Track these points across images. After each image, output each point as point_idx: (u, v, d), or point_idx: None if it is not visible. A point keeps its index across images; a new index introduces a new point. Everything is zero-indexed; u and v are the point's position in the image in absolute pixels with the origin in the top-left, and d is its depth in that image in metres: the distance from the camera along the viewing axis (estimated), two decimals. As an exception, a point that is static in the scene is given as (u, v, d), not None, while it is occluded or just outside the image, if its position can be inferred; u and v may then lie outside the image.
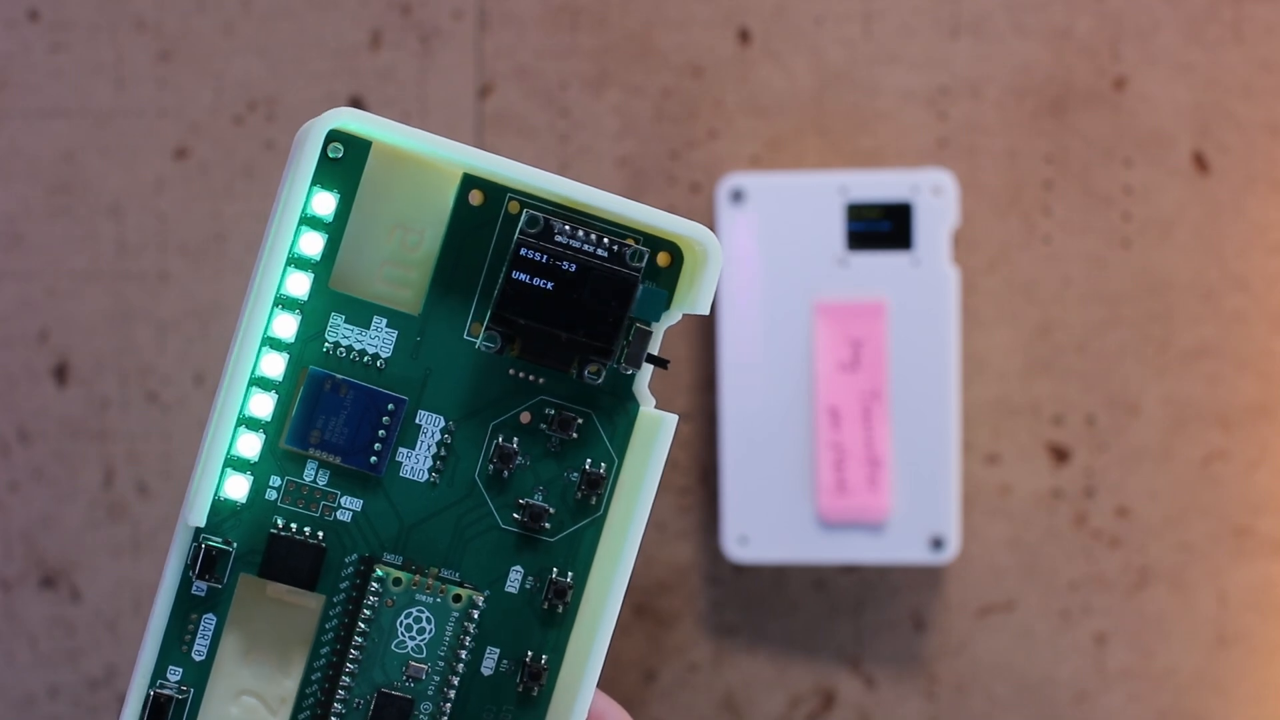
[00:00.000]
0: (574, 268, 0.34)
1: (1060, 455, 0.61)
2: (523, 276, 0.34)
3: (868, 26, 0.61)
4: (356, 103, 0.62)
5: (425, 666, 0.35)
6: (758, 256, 0.59)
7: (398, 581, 0.35)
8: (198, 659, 0.35)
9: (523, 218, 0.35)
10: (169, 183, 0.63)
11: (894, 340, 0.59)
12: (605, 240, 0.35)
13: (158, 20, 0.62)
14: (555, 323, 0.35)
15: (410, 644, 0.35)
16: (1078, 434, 0.61)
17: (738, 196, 0.59)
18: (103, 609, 0.63)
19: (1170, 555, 0.61)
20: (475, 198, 0.35)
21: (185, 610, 0.35)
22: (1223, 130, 0.60)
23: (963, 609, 0.62)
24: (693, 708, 0.62)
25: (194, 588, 0.35)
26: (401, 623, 0.35)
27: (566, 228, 0.35)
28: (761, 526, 0.60)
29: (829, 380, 0.59)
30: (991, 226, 0.61)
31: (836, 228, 0.59)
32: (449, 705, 0.35)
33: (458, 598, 0.35)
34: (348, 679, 0.35)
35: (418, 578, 0.35)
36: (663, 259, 0.35)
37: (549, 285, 0.34)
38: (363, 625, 0.35)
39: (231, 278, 0.62)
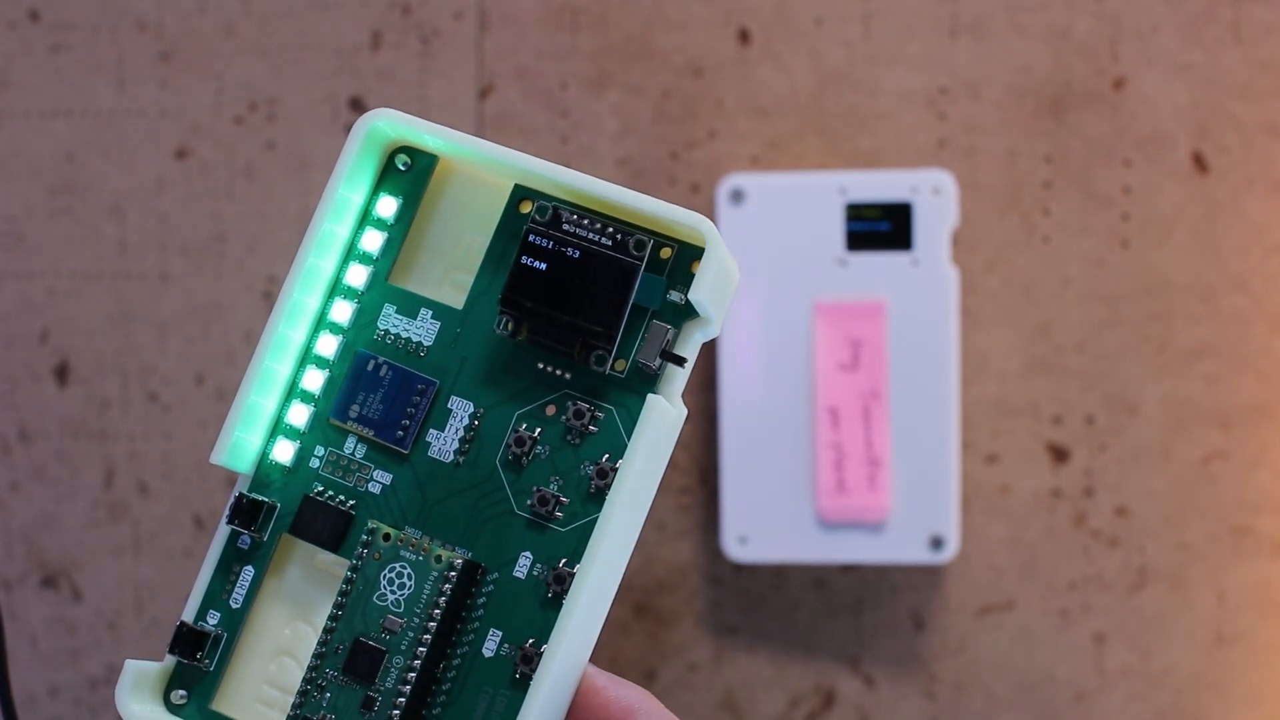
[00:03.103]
0: (578, 254, 0.36)
1: (1060, 455, 0.61)
2: (530, 261, 0.36)
3: (867, 27, 0.61)
4: (357, 103, 0.62)
5: (401, 622, 0.36)
6: (758, 256, 0.59)
7: (386, 537, 0.36)
8: (234, 606, 0.37)
9: (533, 207, 0.37)
10: (170, 183, 0.63)
11: (894, 340, 0.59)
12: (610, 229, 0.36)
13: (159, 21, 0.62)
14: (558, 306, 0.36)
15: (390, 598, 0.36)
16: (1077, 434, 0.61)
17: (738, 196, 0.59)
18: (103, 609, 0.63)
19: (1169, 555, 0.61)
20: (525, 206, 0.37)
21: (230, 561, 0.37)
22: (1222, 131, 0.60)
23: (962, 609, 0.62)
24: (693, 707, 0.62)
25: (240, 540, 0.37)
26: (385, 576, 0.36)
27: (574, 216, 0.36)
28: (761, 526, 0.60)
29: (829, 380, 0.59)
30: (991, 226, 0.61)
31: (836, 228, 0.59)
32: (418, 663, 0.36)
33: (439, 558, 0.36)
34: (332, 623, 0.36)
35: (404, 535, 0.36)
36: (697, 265, 0.36)
37: (554, 270, 0.36)
38: (350, 574, 0.36)
39: (232, 278, 0.63)
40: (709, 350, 0.61)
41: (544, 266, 0.36)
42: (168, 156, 0.63)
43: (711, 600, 0.62)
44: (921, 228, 0.59)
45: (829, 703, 0.62)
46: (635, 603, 0.62)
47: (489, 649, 0.36)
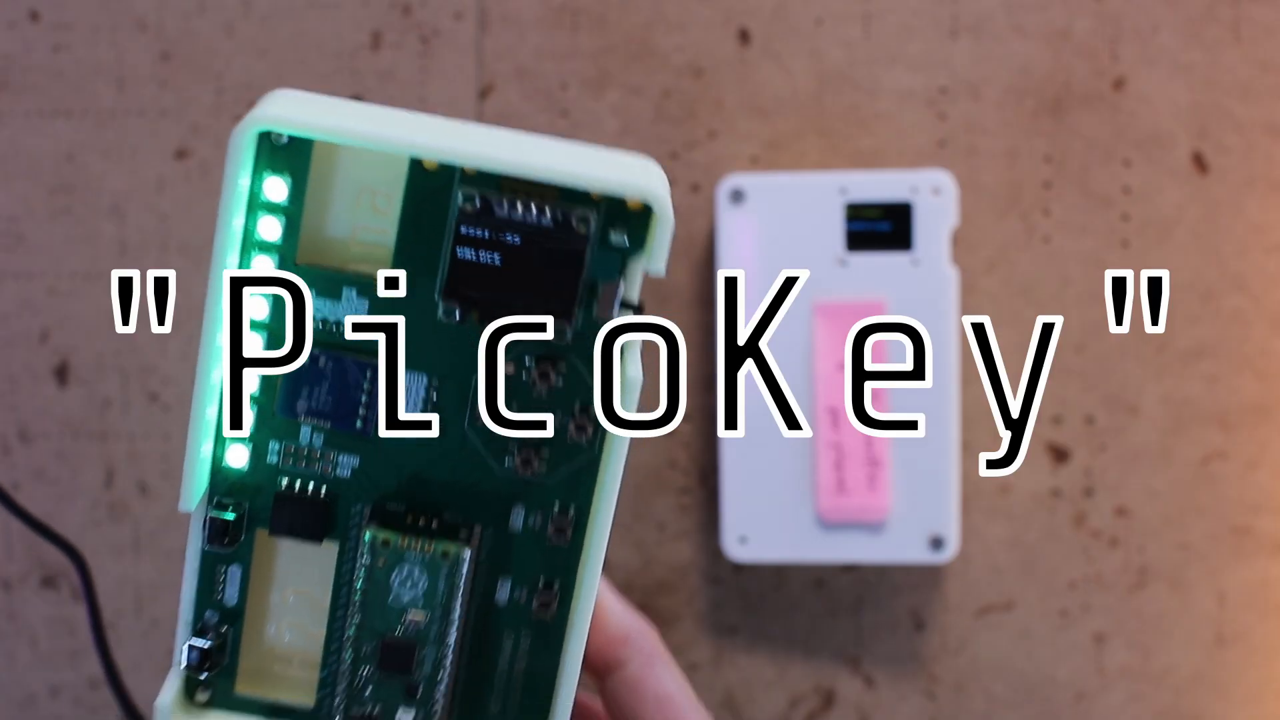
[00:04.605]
0: (519, 239, 0.34)
1: (1060, 455, 0.61)
2: (468, 253, 0.35)
3: (868, 27, 0.61)
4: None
5: (424, 615, 0.36)
6: (758, 256, 0.59)
7: (386, 543, 0.36)
8: (230, 605, 0.37)
9: (458, 197, 0.35)
10: (170, 183, 0.63)
11: (894, 340, 0.59)
12: (548, 209, 0.34)
13: (159, 21, 0.62)
14: (509, 292, 0.35)
15: (406, 597, 0.36)
16: (1077, 434, 0.61)
17: (738, 197, 0.59)
18: (103, 609, 0.63)
19: (1169, 555, 0.61)
20: (429, 162, 0.35)
21: (212, 564, 0.37)
22: (1222, 131, 0.61)
23: (962, 609, 0.62)
24: (693, 707, 0.62)
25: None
26: (395, 578, 0.36)
27: (504, 202, 0.34)
28: (761, 526, 0.60)
29: (829, 380, 0.59)
30: (991, 226, 0.61)
31: (836, 228, 0.59)
32: (450, 649, 0.36)
33: (445, 553, 0.36)
34: (353, 630, 0.36)
35: (405, 539, 0.36)
36: (634, 204, 0.35)
37: (496, 258, 0.35)
38: (359, 584, 0.36)
39: (232, 278, 0.63)
40: (708, 349, 0.61)
41: (484, 257, 0.35)
42: (168, 156, 0.63)
43: (711, 600, 0.62)
44: (921, 228, 0.59)
45: (829, 703, 0.62)
46: (635, 603, 0.62)
47: (501, 598, 0.37)
